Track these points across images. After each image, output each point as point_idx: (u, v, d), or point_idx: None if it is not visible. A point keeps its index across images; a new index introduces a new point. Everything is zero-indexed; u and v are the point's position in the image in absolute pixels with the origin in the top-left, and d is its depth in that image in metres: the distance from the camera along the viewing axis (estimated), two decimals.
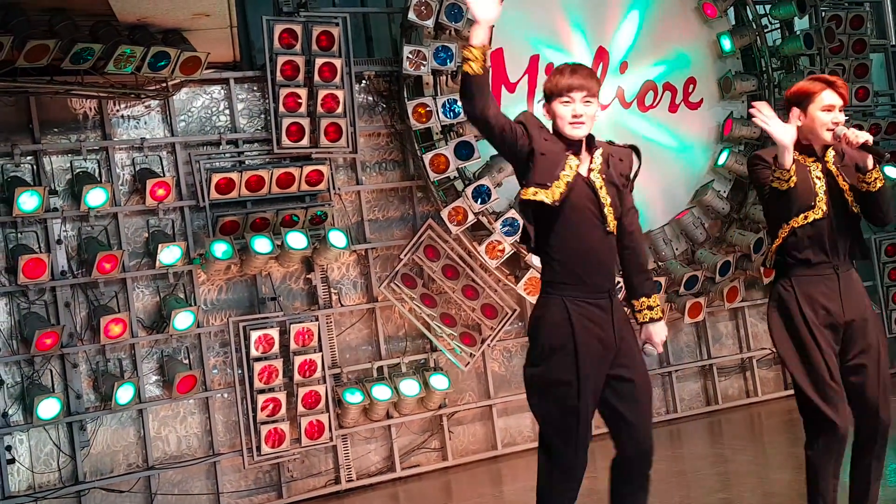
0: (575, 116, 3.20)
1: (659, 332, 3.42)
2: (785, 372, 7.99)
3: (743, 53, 7.67)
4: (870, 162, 3.59)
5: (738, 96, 7.59)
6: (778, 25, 7.74)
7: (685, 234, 7.32)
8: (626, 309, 3.41)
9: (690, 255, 7.37)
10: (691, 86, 7.46)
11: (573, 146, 3.27)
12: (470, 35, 3.14)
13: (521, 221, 6.42)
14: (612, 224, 3.27)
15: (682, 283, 7.07)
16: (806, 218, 3.60)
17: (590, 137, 3.31)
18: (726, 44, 7.50)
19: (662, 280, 7.02)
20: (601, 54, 7.12)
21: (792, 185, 3.49)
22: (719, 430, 7.25)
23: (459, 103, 3.11)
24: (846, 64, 7.89)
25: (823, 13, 7.83)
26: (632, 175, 3.37)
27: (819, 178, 3.64)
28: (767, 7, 7.66)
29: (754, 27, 7.58)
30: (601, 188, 3.26)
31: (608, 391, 3.28)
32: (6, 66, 5.32)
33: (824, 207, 3.62)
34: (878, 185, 3.60)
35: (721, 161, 7.46)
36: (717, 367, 7.66)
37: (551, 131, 3.30)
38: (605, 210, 3.24)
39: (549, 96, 3.25)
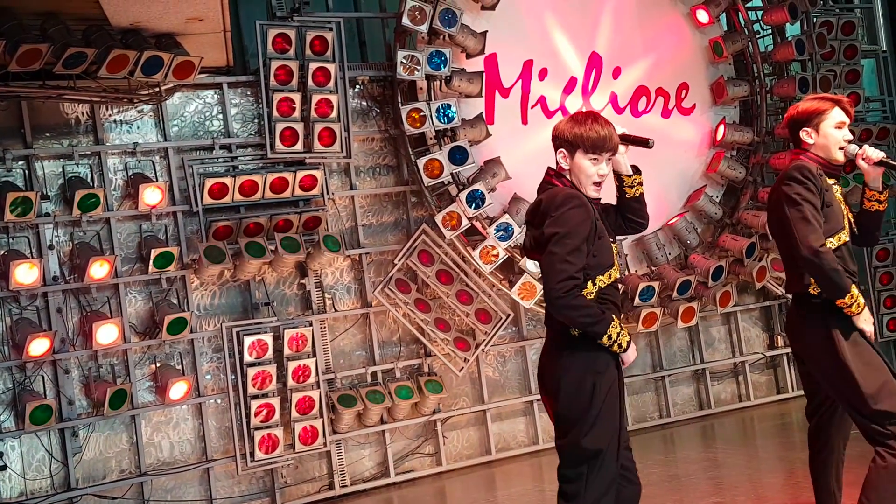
0: (600, 176, 3.21)
1: None
2: (778, 376, 8.04)
3: (735, 59, 7.70)
4: (880, 181, 3.69)
5: (731, 102, 7.62)
6: (770, 31, 7.77)
7: (678, 239, 7.34)
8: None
9: (683, 260, 7.39)
10: (684, 91, 7.48)
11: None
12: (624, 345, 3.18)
13: (514, 226, 6.44)
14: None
15: (675, 288, 7.08)
16: (840, 239, 3.62)
17: None
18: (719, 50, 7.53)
19: (655, 285, 7.03)
20: (594, 59, 7.13)
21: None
22: (712, 434, 7.28)
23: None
24: (837, 69, 7.92)
25: (815, 19, 7.86)
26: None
27: (841, 200, 3.70)
28: (759, 13, 7.69)
29: (746, 33, 7.61)
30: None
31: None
32: None
33: (848, 228, 3.67)
34: (885, 205, 3.69)
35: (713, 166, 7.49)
36: (709, 372, 7.68)
37: (570, 183, 3.27)
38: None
39: (573, 145, 3.18)
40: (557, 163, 3.25)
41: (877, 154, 3.62)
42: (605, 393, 3.16)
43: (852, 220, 3.74)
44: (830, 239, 3.57)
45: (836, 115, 3.65)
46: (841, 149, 3.64)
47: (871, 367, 3.46)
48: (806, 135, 3.68)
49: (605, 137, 3.13)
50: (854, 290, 3.49)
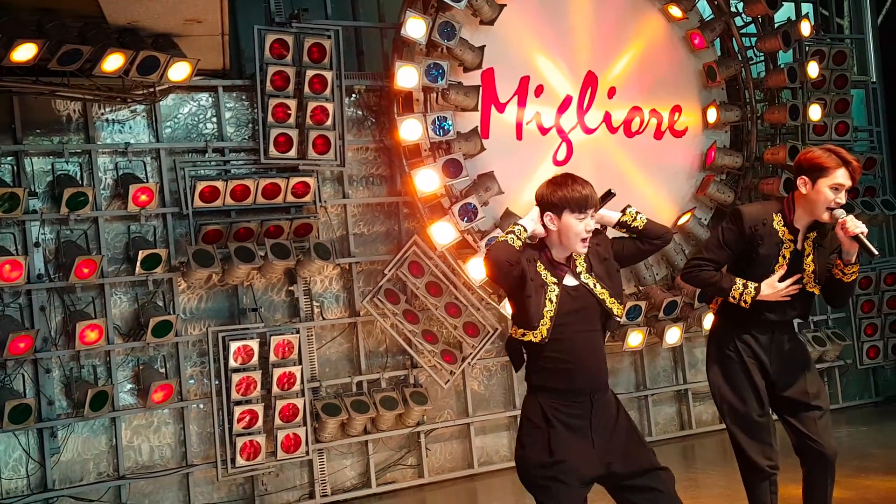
0: (588, 232, 3.23)
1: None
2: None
3: (728, 84, 7.76)
4: (854, 255, 3.70)
5: (722, 126, 7.68)
6: (763, 58, 7.85)
7: (666, 259, 7.38)
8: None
9: (670, 281, 7.43)
10: (676, 113, 7.54)
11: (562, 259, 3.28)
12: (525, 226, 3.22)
13: None
14: (618, 310, 3.30)
15: (661, 308, 7.11)
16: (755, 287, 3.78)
17: None
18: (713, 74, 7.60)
19: (642, 304, 7.06)
20: (590, 78, 7.17)
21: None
22: (692, 454, 7.30)
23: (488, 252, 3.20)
24: (827, 98, 8.02)
25: (807, 48, 7.95)
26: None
27: (784, 257, 3.76)
28: (753, 40, 7.77)
29: (740, 59, 7.68)
30: (595, 286, 3.27)
31: (628, 496, 3.32)
32: None
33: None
34: (852, 278, 3.73)
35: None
36: (692, 392, 7.71)
37: (536, 243, 3.29)
38: (607, 303, 3.27)
39: (560, 207, 3.20)
40: (544, 226, 3.27)
41: (855, 227, 3.61)
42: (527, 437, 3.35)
43: (810, 281, 3.77)
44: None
45: (838, 177, 3.66)
46: (829, 209, 3.67)
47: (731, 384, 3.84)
48: (802, 183, 3.73)
49: (588, 196, 3.21)
50: (736, 291, 3.73)
